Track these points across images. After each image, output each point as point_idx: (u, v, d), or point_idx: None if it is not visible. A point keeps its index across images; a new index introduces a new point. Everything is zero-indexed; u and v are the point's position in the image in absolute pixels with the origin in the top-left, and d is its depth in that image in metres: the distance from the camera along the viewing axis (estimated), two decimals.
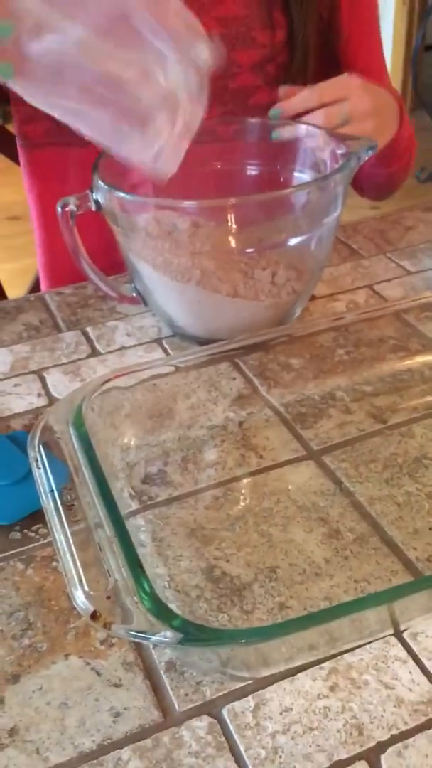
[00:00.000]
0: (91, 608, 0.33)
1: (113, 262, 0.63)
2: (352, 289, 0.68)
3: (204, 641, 0.32)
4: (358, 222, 0.79)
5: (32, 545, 0.45)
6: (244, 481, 0.48)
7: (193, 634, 0.32)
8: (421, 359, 0.58)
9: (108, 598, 0.34)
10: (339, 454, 0.50)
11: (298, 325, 0.60)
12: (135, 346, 0.62)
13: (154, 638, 0.32)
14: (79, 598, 0.34)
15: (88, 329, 0.65)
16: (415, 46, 3.06)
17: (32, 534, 0.45)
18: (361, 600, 0.34)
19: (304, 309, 0.63)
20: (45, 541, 0.45)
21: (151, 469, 0.50)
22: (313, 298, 0.66)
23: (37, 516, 0.46)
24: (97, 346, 0.62)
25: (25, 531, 0.46)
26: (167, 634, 0.32)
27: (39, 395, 0.57)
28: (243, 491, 0.47)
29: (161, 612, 0.33)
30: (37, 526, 0.46)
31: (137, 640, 0.34)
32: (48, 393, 0.57)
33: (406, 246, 0.75)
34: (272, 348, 0.59)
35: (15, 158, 1.02)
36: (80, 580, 0.34)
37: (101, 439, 0.46)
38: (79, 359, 0.61)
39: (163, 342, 0.62)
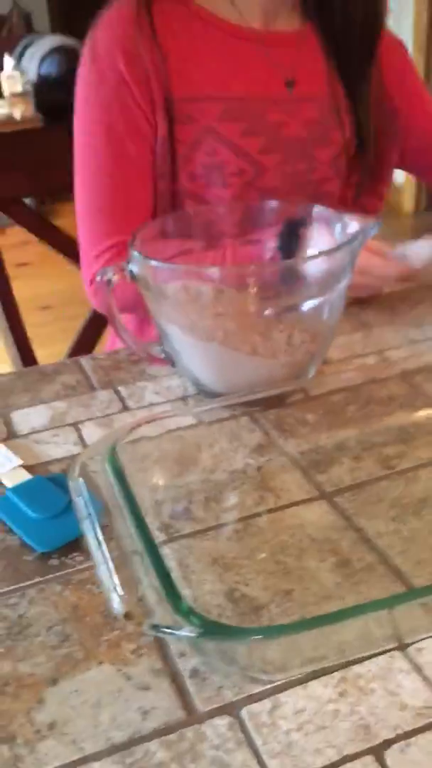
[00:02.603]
0: (125, 609, 0.38)
1: None
2: (363, 354, 0.74)
3: (219, 635, 0.36)
4: (371, 297, 0.86)
5: (69, 570, 0.49)
6: (262, 517, 0.53)
7: (210, 629, 0.36)
8: (425, 414, 0.63)
9: (139, 600, 0.38)
10: (349, 496, 0.54)
11: (313, 383, 0.66)
12: (162, 402, 0.68)
13: (179, 633, 0.36)
14: (115, 600, 0.38)
15: (120, 388, 0.71)
16: None
17: (69, 561, 0.50)
18: (363, 605, 0.37)
19: (318, 370, 0.68)
20: (80, 567, 0.49)
21: (177, 506, 0.54)
22: (327, 361, 0.72)
23: (73, 545, 0.51)
24: (128, 403, 0.68)
25: (63, 558, 0.50)
26: (190, 629, 0.36)
27: (75, 444, 0.63)
28: (261, 526, 0.52)
29: (185, 611, 0.37)
30: (74, 554, 0.50)
31: (164, 635, 0.38)
32: (83, 442, 0.63)
33: (414, 318, 0.81)
34: (289, 405, 0.64)
35: (56, 247, 1.11)
36: (115, 586, 0.39)
37: (132, 481, 0.51)
38: (112, 414, 0.67)
39: (189, 399, 0.68)
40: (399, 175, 3.50)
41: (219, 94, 0.85)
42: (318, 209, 0.69)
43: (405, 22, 3.12)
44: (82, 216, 0.88)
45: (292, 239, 0.70)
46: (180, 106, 0.84)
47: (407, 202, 3.56)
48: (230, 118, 0.85)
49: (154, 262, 0.61)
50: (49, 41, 4.64)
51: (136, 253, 0.62)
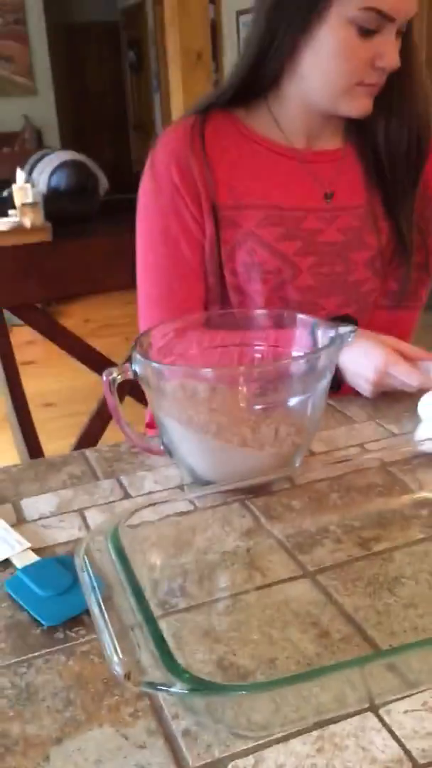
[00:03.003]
0: (125, 670, 0.43)
1: None
2: (345, 447, 0.80)
3: (206, 691, 0.41)
4: (354, 395, 0.93)
5: (73, 642, 0.54)
6: (250, 594, 0.58)
7: (199, 686, 0.41)
8: (401, 501, 0.69)
9: (137, 662, 0.43)
10: (330, 574, 0.59)
11: (299, 473, 0.72)
12: (161, 490, 0.74)
13: (172, 689, 0.41)
14: (115, 662, 0.43)
15: (122, 478, 0.77)
16: None
17: (73, 634, 0.55)
18: (336, 664, 0.42)
19: (303, 461, 0.75)
20: (83, 640, 0.54)
21: (172, 584, 0.59)
22: (312, 453, 0.78)
23: (76, 620, 0.56)
24: (129, 491, 0.74)
25: (67, 632, 0.55)
26: (180, 686, 0.41)
27: (80, 528, 0.68)
28: (249, 601, 0.57)
29: (177, 671, 0.42)
30: (77, 628, 0.55)
31: (159, 691, 0.43)
32: (87, 526, 0.68)
33: (393, 414, 0.88)
34: (276, 492, 0.70)
35: (64, 347, 1.20)
36: (116, 650, 0.44)
37: (132, 560, 0.56)
38: (114, 501, 0.72)
39: (184, 488, 0.74)
40: None
41: (260, 202, 0.96)
42: (301, 316, 0.77)
43: None
44: (141, 306, 1.00)
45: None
46: (225, 213, 0.96)
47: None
48: (269, 224, 0.96)
49: (154, 364, 0.68)
50: (58, 156, 4.96)
51: (138, 356, 0.69)
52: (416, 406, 0.83)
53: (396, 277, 1.03)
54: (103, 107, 8.01)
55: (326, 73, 0.91)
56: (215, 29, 4.75)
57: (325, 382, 0.70)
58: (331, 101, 0.93)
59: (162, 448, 0.75)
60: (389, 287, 1.03)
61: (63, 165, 4.80)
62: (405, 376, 0.85)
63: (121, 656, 0.43)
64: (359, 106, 0.93)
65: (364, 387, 0.89)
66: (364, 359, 0.87)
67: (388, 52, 0.88)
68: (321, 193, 0.99)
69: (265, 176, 0.98)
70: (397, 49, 0.89)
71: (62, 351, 1.21)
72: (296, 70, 0.93)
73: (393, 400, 0.91)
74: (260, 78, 0.95)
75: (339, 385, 0.90)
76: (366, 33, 0.87)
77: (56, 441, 1.27)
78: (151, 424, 1.13)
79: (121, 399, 1.28)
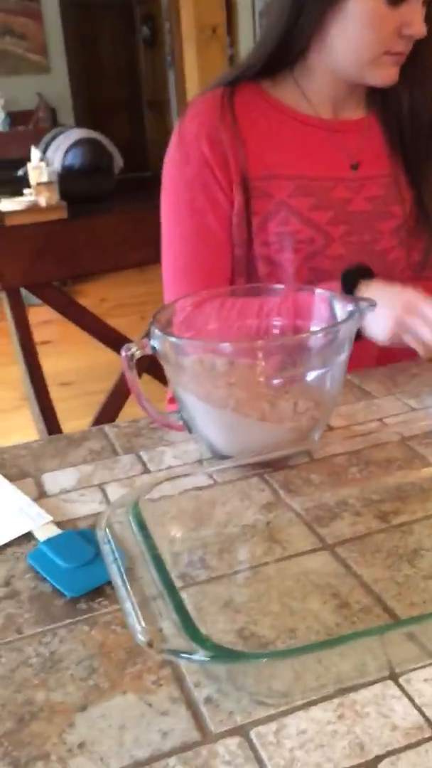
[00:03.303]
0: (147, 638, 0.43)
1: None
2: (365, 422, 0.80)
3: (227, 659, 0.41)
4: (372, 370, 0.93)
5: (95, 613, 0.54)
6: (270, 566, 0.58)
7: (221, 653, 0.42)
8: (421, 475, 0.69)
9: (160, 631, 0.44)
10: (349, 546, 0.59)
11: (318, 447, 0.72)
12: (180, 465, 0.74)
13: (194, 657, 0.42)
14: (138, 630, 0.44)
15: (141, 453, 0.77)
16: None
17: (95, 605, 0.55)
18: (356, 633, 0.43)
19: (322, 436, 0.75)
20: (105, 610, 0.55)
21: (193, 556, 0.60)
22: (331, 428, 0.78)
23: (99, 591, 0.56)
24: (149, 466, 0.75)
25: (90, 603, 0.55)
26: (202, 654, 0.41)
27: (101, 503, 0.69)
28: (269, 573, 0.57)
29: (199, 638, 0.42)
30: (100, 599, 0.56)
31: (181, 659, 0.44)
32: (108, 500, 0.69)
33: (412, 388, 0.87)
34: (295, 466, 0.70)
35: (81, 326, 1.20)
36: (139, 619, 0.44)
37: (152, 534, 0.57)
38: (134, 475, 0.73)
39: (204, 462, 0.74)
40: None
41: (291, 173, 0.96)
42: (320, 291, 0.77)
43: None
44: (167, 278, 0.99)
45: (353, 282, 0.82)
46: (255, 183, 0.96)
47: None
48: (301, 194, 0.96)
49: (172, 339, 0.69)
50: (73, 134, 4.94)
51: (157, 331, 0.69)
52: None
53: (419, 248, 1.02)
54: (118, 84, 7.94)
55: (354, 43, 0.91)
56: (230, 3, 4.68)
57: (344, 356, 0.70)
58: (358, 71, 0.94)
59: (181, 423, 0.75)
60: (412, 258, 1.02)
61: (77, 143, 4.77)
62: (427, 329, 0.83)
63: (143, 625, 0.44)
64: (386, 75, 0.94)
65: (384, 326, 0.85)
66: (393, 295, 0.86)
67: (415, 20, 0.88)
68: (348, 162, 1.00)
69: (294, 147, 0.98)
70: (423, 17, 0.89)
71: (79, 330, 1.22)
72: (323, 41, 0.93)
73: (411, 375, 0.90)
74: (287, 50, 0.95)
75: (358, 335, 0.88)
76: (394, 2, 0.87)
77: (74, 420, 1.28)
78: (173, 401, 1.13)
79: (139, 376, 1.29)
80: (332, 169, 0.99)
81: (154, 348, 0.71)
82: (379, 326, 0.86)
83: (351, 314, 0.69)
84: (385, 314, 0.84)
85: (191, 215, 0.97)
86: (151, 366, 1.09)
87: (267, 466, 0.70)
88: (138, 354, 0.71)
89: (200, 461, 0.74)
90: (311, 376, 0.70)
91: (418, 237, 1.02)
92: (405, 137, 0.99)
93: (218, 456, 0.74)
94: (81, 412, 1.35)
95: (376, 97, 1.01)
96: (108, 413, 1.20)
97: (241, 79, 0.99)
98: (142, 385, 0.83)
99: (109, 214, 1.24)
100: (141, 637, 0.43)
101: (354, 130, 1.01)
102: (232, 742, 0.43)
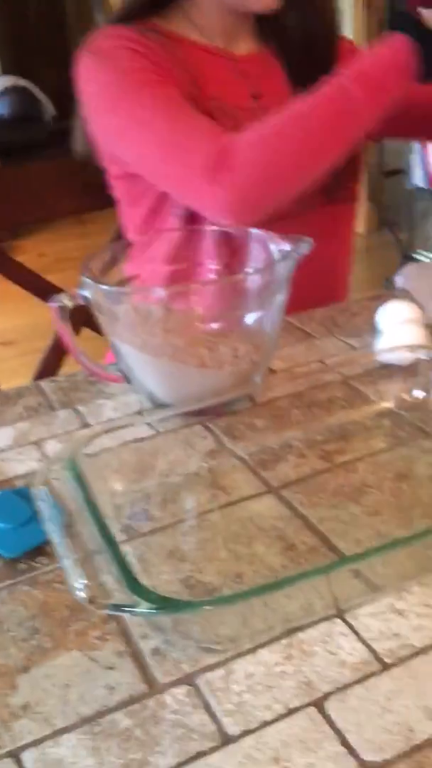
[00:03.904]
0: (88, 594, 0.42)
1: None
2: (306, 363, 0.79)
3: (171, 609, 0.40)
4: (311, 311, 0.91)
5: (36, 572, 0.53)
6: (215, 512, 0.57)
7: (164, 604, 0.41)
8: (363, 413, 0.68)
9: (100, 586, 0.42)
10: (294, 488, 0.59)
11: (259, 391, 0.71)
12: (120, 418, 0.72)
13: (138, 610, 0.41)
14: (78, 588, 0.42)
15: (79, 407, 0.75)
16: (372, 173, 3.38)
17: (35, 564, 0.54)
18: (301, 573, 0.42)
19: (263, 380, 0.73)
20: (45, 569, 0.53)
21: (135, 508, 0.58)
22: (272, 371, 0.77)
23: (38, 551, 0.54)
24: (88, 420, 0.72)
25: (30, 562, 0.54)
26: (144, 606, 0.40)
27: (38, 460, 0.66)
28: (213, 520, 0.56)
29: (140, 591, 0.41)
30: (40, 558, 0.54)
31: (125, 613, 0.43)
32: (46, 458, 0.67)
33: (352, 328, 0.86)
34: (238, 412, 0.69)
35: (19, 283, 1.15)
36: (79, 575, 0.43)
37: (92, 489, 0.55)
38: (72, 431, 0.71)
39: (144, 413, 0.72)
40: None
41: (204, 100, 0.91)
42: (255, 232, 0.75)
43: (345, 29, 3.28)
44: (166, 154, 0.85)
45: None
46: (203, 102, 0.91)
47: (358, 222, 3.67)
48: (215, 117, 0.91)
49: (103, 287, 0.66)
50: (1, 82, 4.72)
51: (86, 279, 0.66)
52: (374, 318, 0.82)
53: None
54: (44, 30, 7.60)
55: None
56: None
57: (281, 298, 0.68)
58: None
59: (119, 374, 0.73)
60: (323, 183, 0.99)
61: (5, 92, 4.57)
62: None
63: (83, 581, 0.43)
64: (265, 1, 0.92)
65: None
66: None
67: None
68: (248, 92, 0.97)
69: (201, 74, 0.94)
70: None
71: (18, 287, 1.17)
72: None
73: (351, 315, 0.90)
74: None
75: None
76: None
77: (17, 379, 1.23)
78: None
79: (78, 331, 1.25)
80: (237, 98, 0.96)
81: (85, 298, 0.68)
82: None
83: (287, 254, 0.68)
84: None
85: (159, 94, 0.86)
86: (91, 320, 1.05)
87: (209, 413, 0.68)
88: (69, 305, 0.69)
89: (140, 412, 0.73)
90: (250, 318, 0.68)
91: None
92: (302, 70, 0.96)
93: (159, 405, 0.72)
94: (24, 371, 1.31)
95: (267, 32, 0.99)
96: (48, 370, 1.17)
97: (133, 18, 0.94)
98: (83, 340, 0.80)
99: (42, 161, 1.18)
100: (81, 594, 0.42)
101: (252, 63, 0.99)
102: (180, 691, 0.42)
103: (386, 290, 2.61)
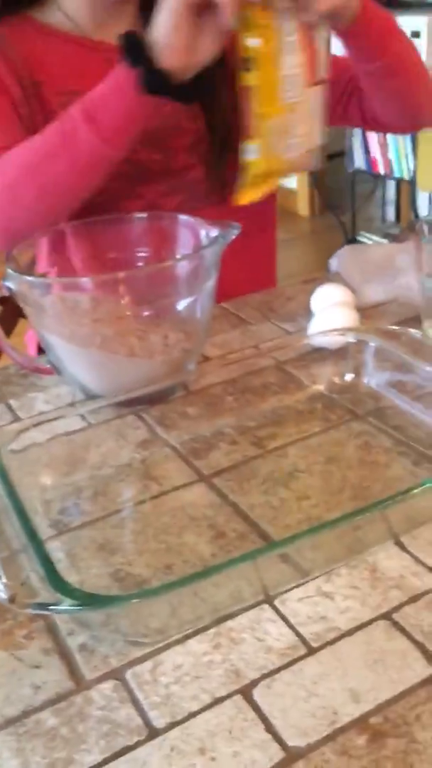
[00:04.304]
0: (9, 593, 0.41)
1: None
2: (240, 349, 0.79)
3: (96, 604, 0.40)
4: (247, 296, 0.91)
5: None
6: (146, 504, 0.57)
7: (87, 600, 0.40)
8: (296, 397, 0.69)
9: (22, 584, 0.42)
10: (226, 476, 0.59)
11: (192, 379, 0.70)
12: (52, 410, 0.71)
13: (61, 607, 0.40)
14: (0, 587, 0.41)
15: (11, 401, 0.73)
16: None
17: None
18: (229, 561, 0.42)
19: (197, 367, 0.73)
20: None
21: (66, 503, 0.58)
22: (206, 358, 0.77)
23: None
24: (19, 414, 0.71)
25: None
26: (68, 603, 0.40)
27: None
28: (145, 512, 0.56)
29: (64, 588, 0.41)
30: None
31: (49, 611, 0.42)
32: None
33: (287, 312, 0.87)
34: (171, 401, 0.68)
35: None
36: (1, 574, 0.42)
37: (21, 485, 0.54)
38: (3, 425, 0.69)
39: (77, 405, 0.71)
40: (292, 181, 3.63)
41: (78, 89, 0.83)
42: (183, 218, 0.74)
43: None
44: None
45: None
46: (51, 98, 0.87)
47: (302, 205, 3.69)
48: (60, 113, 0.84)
49: (28, 278, 0.64)
50: None
51: (11, 270, 0.65)
52: (309, 302, 0.82)
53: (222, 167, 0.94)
54: None
55: None
56: None
57: (211, 283, 0.68)
58: None
59: (49, 366, 0.72)
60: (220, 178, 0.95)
61: None
62: None
63: (4, 580, 0.42)
64: None
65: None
66: None
67: None
68: None
69: (71, 65, 0.90)
70: None
71: None
72: None
73: (286, 299, 0.90)
74: None
75: None
76: None
77: None
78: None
79: (14, 323, 1.23)
80: None
81: (10, 289, 0.66)
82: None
83: (215, 239, 0.67)
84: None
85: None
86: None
87: (142, 403, 0.67)
88: None
89: (72, 403, 0.71)
90: (180, 305, 0.68)
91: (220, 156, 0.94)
92: None
93: (91, 396, 0.71)
94: None
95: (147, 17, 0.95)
96: None
97: (7, 10, 0.90)
98: (21, 330, 0.78)
99: None
100: (1, 594, 0.41)
101: None
102: (107, 686, 0.42)
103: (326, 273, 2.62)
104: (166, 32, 0.70)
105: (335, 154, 3.57)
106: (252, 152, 0.74)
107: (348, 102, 0.98)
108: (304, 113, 0.76)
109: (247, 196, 0.77)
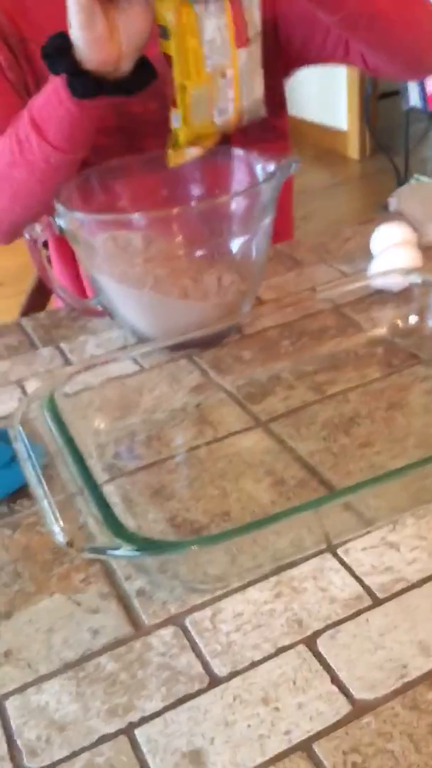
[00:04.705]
0: (67, 537, 0.40)
1: None
2: (296, 292, 0.76)
3: (153, 550, 0.39)
4: (301, 237, 0.88)
5: (17, 515, 0.51)
6: (201, 449, 0.55)
7: (145, 545, 0.39)
8: (355, 341, 0.66)
9: (80, 529, 0.41)
10: (283, 422, 0.57)
11: (247, 322, 0.68)
12: (103, 354, 0.69)
13: (119, 552, 0.39)
14: (56, 531, 0.40)
15: (62, 345, 0.72)
16: (366, 95, 3.26)
17: (17, 507, 0.52)
18: (291, 509, 0.40)
19: (252, 311, 0.70)
20: (27, 512, 0.51)
21: (119, 447, 0.56)
22: (260, 301, 0.74)
23: (20, 493, 0.53)
24: (70, 358, 0.70)
25: (11, 505, 0.52)
26: (127, 548, 0.38)
27: (19, 400, 0.64)
28: (200, 457, 0.54)
29: (122, 533, 0.39)
30: (21, 500, 0.52)
31: (106, 556, 0.41)
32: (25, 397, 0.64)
33: (344, 254, 0.83)
34: (225, 344, 0.66)
35: None
36: (56, 517, 0.41)
37: (74, 428, 0.53)
38: (55, 369, 0.68)
39: (129, 349, 0.70)
40: (342, 122, 3.50)
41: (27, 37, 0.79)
42: (238, 152, 0.70)
43: None
44: None
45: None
46: (39, 56, 0.75)
47: (352, 147, 3.56)
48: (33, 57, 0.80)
49: (79, 215, 0.62)
50: None
51: (61, 207, 0.63)
52: (368, 243, 0.78)
53: None
54: None
55: None
56: None
57: (267, 221, 0.65)
58: None
59: (101, 308, 0.70)
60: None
61: None
62: None
63: (62, 524, 0.41)
64: None
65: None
66: None
67: None
68: None
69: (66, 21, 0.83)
70: None
71: None
72: None
73: (343, 240, 0.86)
74: None
75: None
76: None
77: (7, 319, 1.20)
78: None
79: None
80: None
81: (60, 228, 0.64)
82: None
83: (272, 174, 0.64)
84: None
85: None
86: None
87: (195, 347, 0.65)
88: (42, 236, 0.65)
89: (124, 347, 0.70)
90: (235, 245, 0.65)
91: None
92: None
93: (143, 340, 0.69)
94: (14, 313, 1.28)
95: None
96: (34, 310, 1.13)
97: None
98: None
99: None
100: (60, 538, 0.40)
101: None
102: (167, 632, 0.41)
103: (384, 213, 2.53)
104: (81, 29, 0.63)
105: (388, 93, 3.42)
106: (176, 120, 0.68)
107: (348, 45, 0.88)
108: (235, 76, 0.70)
109: (175, 159, 0.71)
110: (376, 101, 3.41)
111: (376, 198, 3.15)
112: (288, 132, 0.94)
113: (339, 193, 3.22)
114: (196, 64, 0.67)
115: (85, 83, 0.65)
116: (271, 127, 0.88)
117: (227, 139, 0.83)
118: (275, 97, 0.88)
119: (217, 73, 0.69)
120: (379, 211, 2.60)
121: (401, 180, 3.11)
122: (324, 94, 3.54)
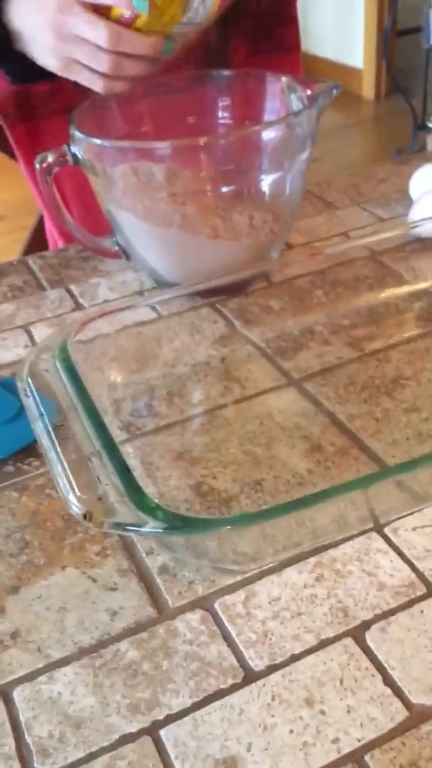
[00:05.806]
0: (84, 509, 0.35)
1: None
2: (328, 237, 0.70)
3: (185, 529, 0.34)
4: (333, 177, 0.81)
5: (25, 476, 0.46)
6: (229, 408, 0.50)
7: (176, 523, 0.34)
8: (395, 293, 0.60)
9: (99, 499, 0.36)
10: (319, 380, 0.51)
11: (276, 269, 0.62)
12: (118, 299, 0.64)
13: (143, 529, 0.34)
14: (72, 501, 0.35)
15: (72, 287, 0.66)
16: (385, 32, 3.10)
17: (25, 466, 0.47)
18: (336, 487, 0.35)
19: (280, 257, 0.64)
20: (37, 472, 0.46)
21: (138, 403, 0.51)
22: (289, 246, 0.68)
23: (28, 451, 0.48)
24: (81, 301, 0.64)
25: (18, 464, 0.47)
26: (155, 525, 0.34)
27: (26, 347, 0.59)
28: (227, 417, 0.49)
29: (147, 506, 0.34)
30: (30, 459, 0.47)
31: (128, 533, 0.36)
32: (35, 344, 0.59)
33: (379, 196, 0.76)
34: (251, 293, 0.60)
35: (9, 154, 1.02)
36: (72, 485, 0.36)
37: (88, 381, 0.47)
38: (64, 313, 0.62)
39: (145, 294, 0.64)
40: (357, 59, 3.35)
41: None
42: (273, 76, 0.63)
43: None
44: None
45: None
46: None
47: (367, 87, 3.42)
48: None
49: (97, 141, 0.55)
50: None
51: (77, 133, 0.56)
52: (407, 186, 0.72)
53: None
54: None
55: None
56: None
57: (304, 156, 0.58)
58: None
59: (117, 249, 0.64)
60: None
61: None
62: (88, 26, 0.55)
63: (78, 493, 0.36)
64: None
65: (48, 61, 0.59)
66: (35, 15, 0.58)
67: None
68: None
69: None
70: None
71: (4, 157, 1.04)
72: None
73: (378, 182, 0.79)
74: None
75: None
76: None
77: (8, 257, 1.14)
78: None
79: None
80: None
81: (75, 156, 0.58)
82: (48, 65, 0.60)
83: (312, 103, 0.57)
84: (42, 49, 0.59)
85: None
86: None
87: (219, 294, 0.60)
88: (56, 166, 0.58)
89: (141, 292, 0.64)
90: (267, 181, 0.58)
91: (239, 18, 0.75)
92: None
93: (162, 284, 0.63)
94: (15, 248, 1.21)
95: None
96: (39, 247, 1.07)
97: None
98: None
99: None
100: (76, 509, 0.35)
101: None
102: (194, 617, 0.36)
103: (395, 164, 2.44)
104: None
105: (408, 30, 3.26)
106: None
107: None
108: None
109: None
110: (395, 38, 3.26)
111: (390, 141, 3.04)
112: (299, 46, 0.84)
113: (352, 134, 3.10)
114: None
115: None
116: (277, 37, 0.80)
117: (228, 50, 0.74)
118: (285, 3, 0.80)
119: None
120: (395, 157, 2.50)
121: (418, 123, 2.98)
122: (339, 29, 3.38)
